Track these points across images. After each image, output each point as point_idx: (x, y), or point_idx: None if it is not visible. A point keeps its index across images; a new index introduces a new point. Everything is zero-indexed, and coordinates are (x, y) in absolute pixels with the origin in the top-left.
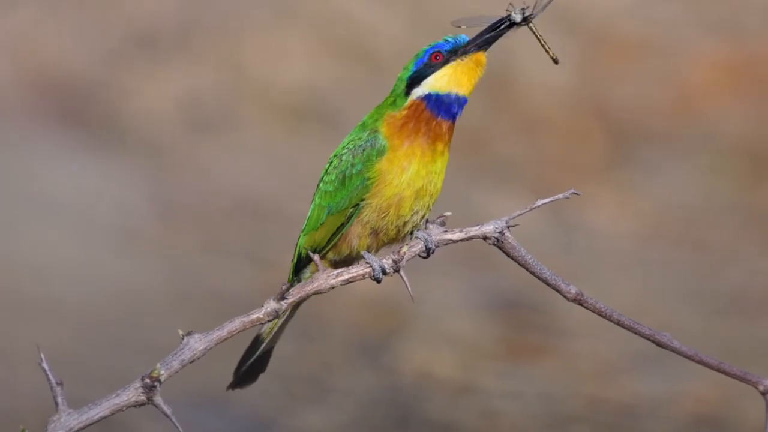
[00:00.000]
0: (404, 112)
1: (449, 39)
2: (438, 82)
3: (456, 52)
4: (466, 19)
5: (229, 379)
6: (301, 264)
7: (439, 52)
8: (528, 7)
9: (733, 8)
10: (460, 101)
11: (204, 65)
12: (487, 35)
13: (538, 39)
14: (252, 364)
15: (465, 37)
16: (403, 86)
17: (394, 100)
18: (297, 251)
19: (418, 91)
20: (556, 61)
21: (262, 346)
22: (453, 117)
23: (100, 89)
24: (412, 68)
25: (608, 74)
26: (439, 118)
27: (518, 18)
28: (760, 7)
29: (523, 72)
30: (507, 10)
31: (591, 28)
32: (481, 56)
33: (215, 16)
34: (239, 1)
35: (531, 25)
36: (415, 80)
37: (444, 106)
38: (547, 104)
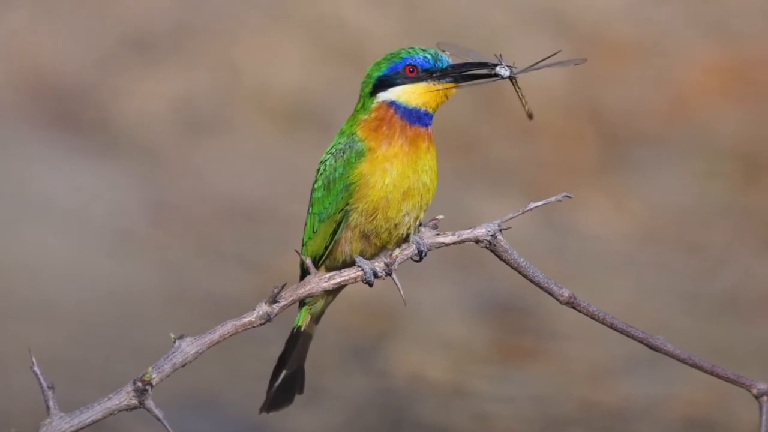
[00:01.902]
0: (374, 114)
1: (429, 57)
2: (407, 95)
3: (432, 73)
4: (454, 46)
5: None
6: (306, 275)
7: (415, 66)
8: (515, 66)
9: (727, 11)
10: (429, 115)
11: (198, 68)
12: (467, 72)
13: (518, 93)
14: (284, 384)
15: (446, 59)
16: (371, 85)
17: (363, 103)
18: (301, 262)
19: (385, 96)
20: (530, 116)
21: (287, 364)
22: (426, 125)
23: (93, 91)
24: (384, 69)
25: (602, 77)
26: (414, 126)
27: (505, 74)
28: (753, 10)
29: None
30: (495, 62)
31: (585, 30)
32: (454, 88)
33: (209, 19)
34: (233, 4)
35: (514, 82)
36: (383, 83)
37: (415, 116)
38: (540, 107)
